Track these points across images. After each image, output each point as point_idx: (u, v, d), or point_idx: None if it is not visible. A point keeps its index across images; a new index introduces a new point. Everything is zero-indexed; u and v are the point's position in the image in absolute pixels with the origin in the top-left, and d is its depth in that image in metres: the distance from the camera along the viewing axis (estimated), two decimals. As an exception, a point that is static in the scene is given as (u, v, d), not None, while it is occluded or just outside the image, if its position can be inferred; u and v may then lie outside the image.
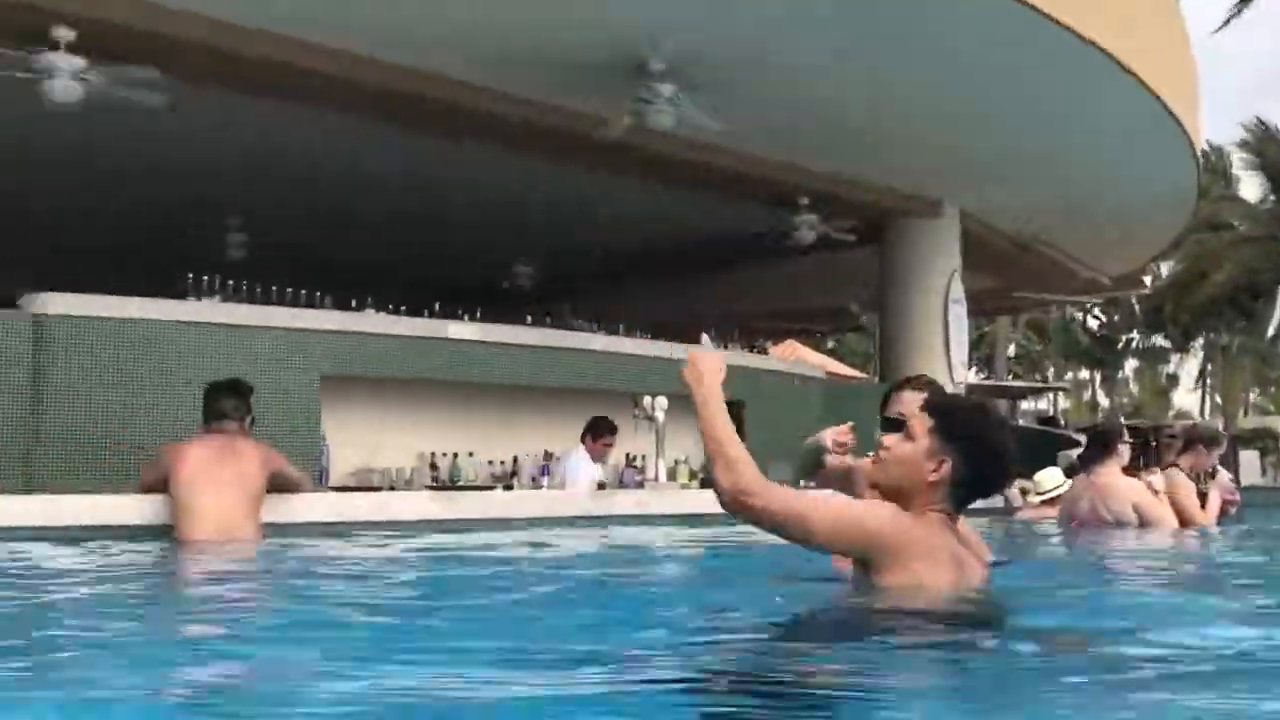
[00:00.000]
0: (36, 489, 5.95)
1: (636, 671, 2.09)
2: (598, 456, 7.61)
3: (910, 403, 3.31)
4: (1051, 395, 39.54)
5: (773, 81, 8.33)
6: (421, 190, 11.00)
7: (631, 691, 1.93)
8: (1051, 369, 47.81)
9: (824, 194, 10.77)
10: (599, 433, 7.62)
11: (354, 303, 8.32)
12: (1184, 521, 6.18)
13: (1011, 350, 40.76)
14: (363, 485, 7.47)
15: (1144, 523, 5.99)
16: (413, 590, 3.75)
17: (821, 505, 2.62)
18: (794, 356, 19.56)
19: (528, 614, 3.07)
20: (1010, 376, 36.50)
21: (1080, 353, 45.33)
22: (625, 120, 8.11)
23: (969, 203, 11.84)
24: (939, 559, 2.54)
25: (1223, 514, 6.64)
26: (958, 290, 12.03)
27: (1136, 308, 38.05)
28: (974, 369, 42.66)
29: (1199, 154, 11.19)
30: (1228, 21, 27.07)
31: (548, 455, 8.11)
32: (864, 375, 24.34)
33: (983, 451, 2.62)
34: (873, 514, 2.61)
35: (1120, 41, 8.18)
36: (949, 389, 11.87)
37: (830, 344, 32.27)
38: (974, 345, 42.24)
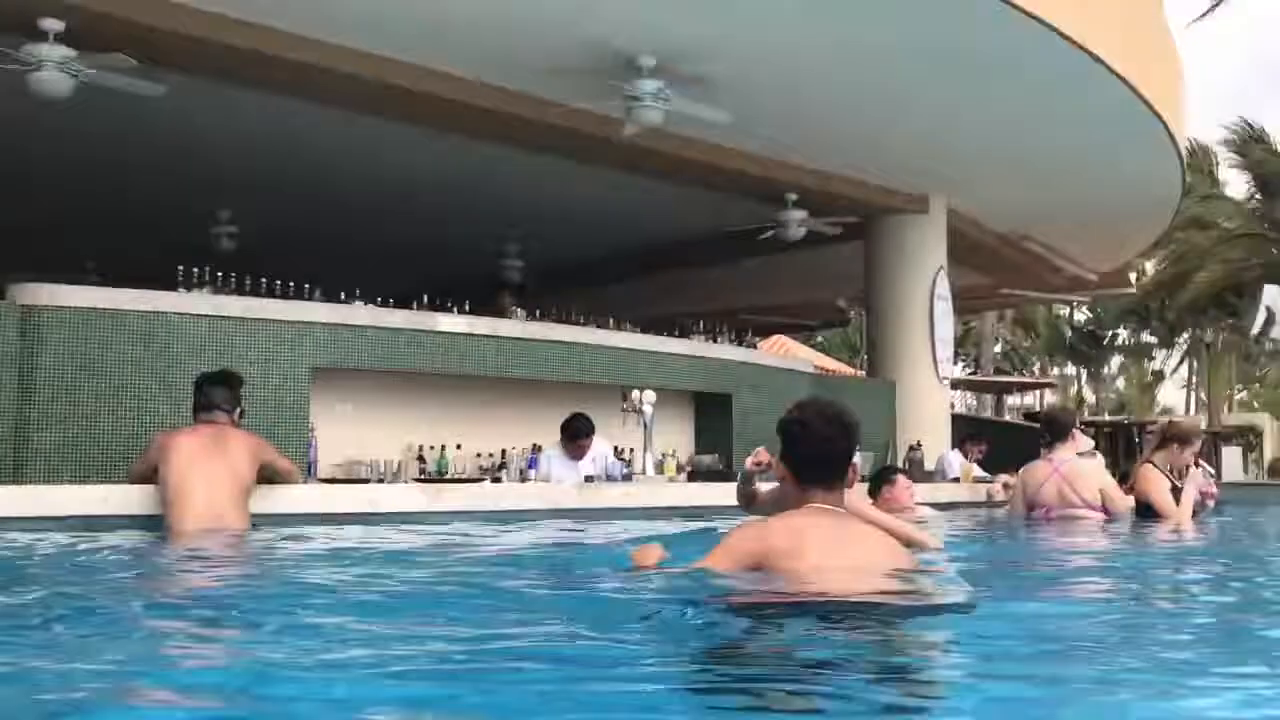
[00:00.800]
0: (25, 479, 5.97)
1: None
2: (574, 457, 7.52)
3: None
4: (1038, 391, 39.75)
5: (762, 78, 8.39)
6: (413, 183, 11.05)
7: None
8: (1038, 365, 48.02)
9: (812, 190, 10.84)
10: (574, 434, 7.45)
11: (343, 295, 8.35)
12: (1157, 512, 6.29)
13: (998, 346, 40.95)
14: (350, 477, 7.51)
15: (1109, 507, 6.14)
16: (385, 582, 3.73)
17: (718, 553, 2.85)
18: (783, 351, 19.65)
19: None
20: (996, 372, 36.64)
21: (1067, 349, 45.58)
22: (626, 128, 8.14)
23: (955, 199, 11.91)
24: (807, 544, 2.76)
25: (1201, 507, 6.75)
26: (943, 286, 12.12)
27: (1123, 304, 38.16)
28: (961, 364, 42.86)
29: (1183, 153, 11.27)
30: (1203, 15, 27.18)
31: (536, 448, 8.16)
32: (853, 370, 24.43)
33: (787, 433, 2.95)
34: (740, 536, 2.88)
35: (1106, 42, 8.25)
36: (935, 383, 12.02)
37: (819, 339, 32.35)
38: (961, 341, 42.46)
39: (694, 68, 7.88)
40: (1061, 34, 7.75)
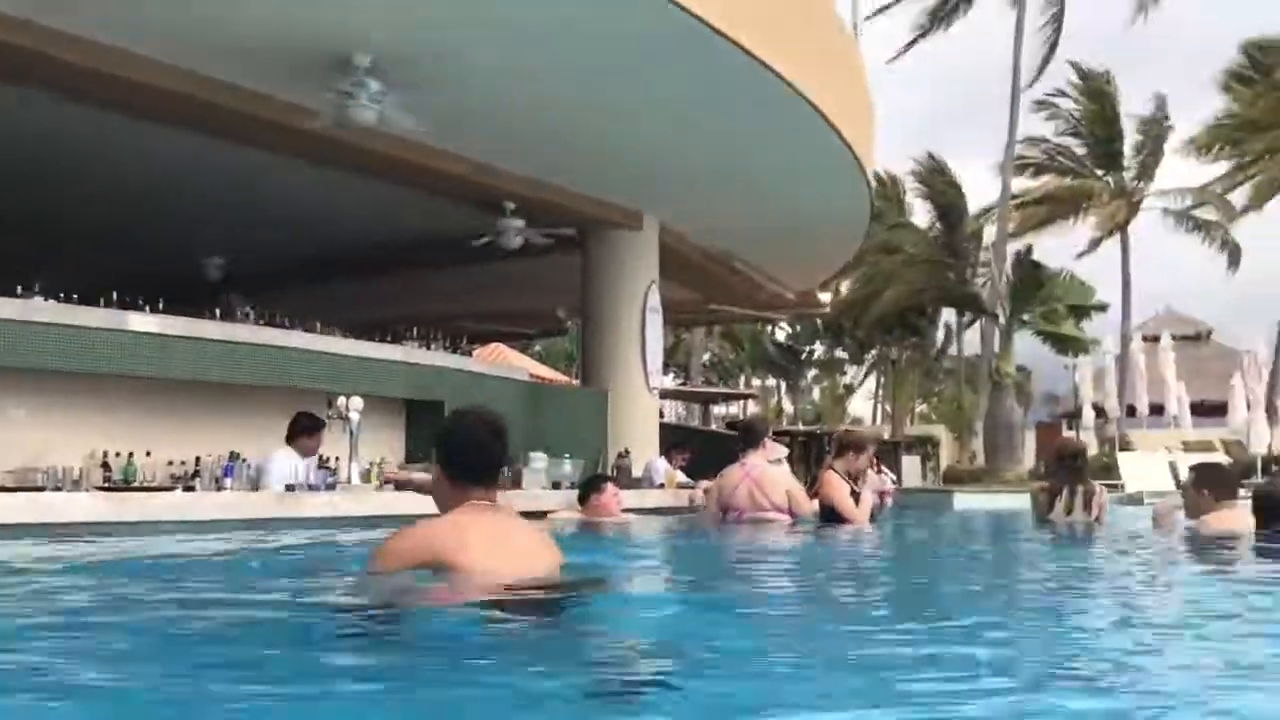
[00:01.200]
0: None
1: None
2: (306, 454, 7.30)
3: None
4: (742, 401, 41.76)
5: (478, 86, 8.40)
6: (104, 172, 10.28)
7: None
8: (743, 377, 50.50)
9: (530, 200, 10.95)
10: (303, 429, 7.32)
11: (19, 289, 7.66)
12: (841, 517, 6.80)
13: (707, 358, 42.77)
14: (23, 485, 6.89)
15: (794, 510, 6.64)
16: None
17: (381, 555, 3.08)
18: (499, 359, 19.67)
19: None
20: (704, 383, 38.20)
21: (768, 362, 48.26)
22: (319, 120, 7.91)
23: (667, 217, 12.36)
24: (466, 540, 2.99)
25: (880, 507, 7.36)
26: (655, 300, 12.54)
27: (819, 321, 40.78)
28: (672, 375, 44.37)
29: (872, 183, 12.23)
30: (898, 56, 29.61)
31: (234, 455, 7.78)
32: (566, 378, 24.76)
33: (449, 439, 3.24)
34: (402, 536, 3.09)
35: (803, 75, 8.81)
36: (646, 392, 12.42)
37: (537, 347, 32.62)
38: (672, 352, 44.02)
39: (406, 67, 7.79)
40: (769, 68, 8.21)
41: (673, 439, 13.37)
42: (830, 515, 6.90)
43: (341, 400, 7.07)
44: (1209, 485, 5.78)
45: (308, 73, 7.70)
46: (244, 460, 7.62)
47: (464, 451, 3.18)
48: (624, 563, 4.74)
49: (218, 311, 8.69)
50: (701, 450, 12.09)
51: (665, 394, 26.78)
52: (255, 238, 12.76)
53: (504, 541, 3.09)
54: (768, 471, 6.74)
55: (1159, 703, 2.01)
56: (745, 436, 6.96)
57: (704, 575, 4.62)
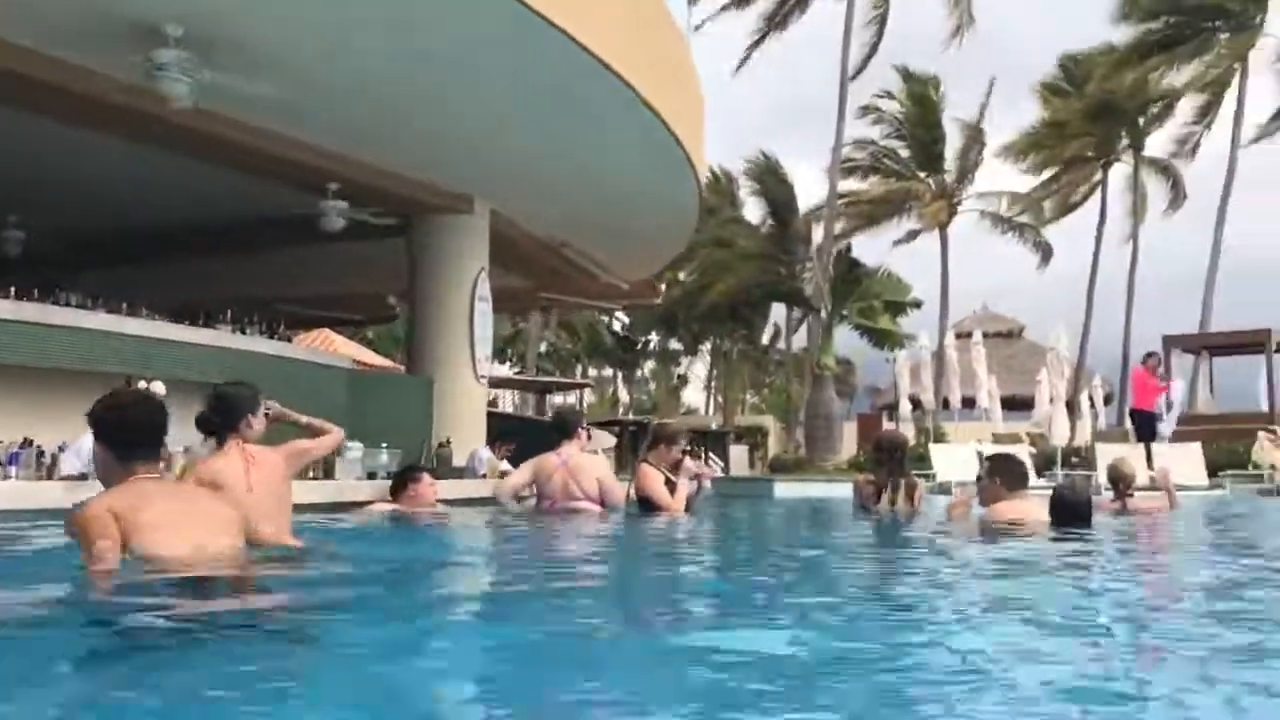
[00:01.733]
0: None
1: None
2: None
3: None
4: (579, 391, 41.90)
5: (298, 63, 8.14)
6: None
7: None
8: (580, 366, 50.67)
9: (354, 182, 10.68)
10: None
11: None
12: (657, 505, 6.91)
13: (544, 347, 42.74)
14: None
15: (606, 499, 6.73)
16: None
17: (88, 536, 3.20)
18: (326, 346, 19.17)
19: None
20: (540, 372, 38.16)
21: (605, 352, 48.55)
22: (173, 103, 7.52)
23: (498, 203, 12.26)
24: (153, 506, 3.23)
25: (698, 493, 7.51)
26: (484, 287, 12.41)
27: (656, 313, 41.27)
28: (509, 364, 44.14)
29: (702, 178, 12.41)
30: (742, 64, 30.24)
31: (27, 441, 7.34)
32: (395, 365, 24.34)
33: (107, 421, 3.43)
34: (90, 512, 3.21)
35: (633, 70, 8.87)
36: (473, 381, 12.30)
37: (369, 334, 31.94)
38: (509, 340, 43.81)
39: (222, 41, 7.49)
40: (589, 52, 8.19)
41: (502, 428, 13.30)
42: (648, 505, 7.01)
43: (142, 384, 6.75)
44: (1000, 476, 6.09)
45: (115, 42, 7.32)
46: (37, 447, 7.21)
47: (125, 429, 3.38)
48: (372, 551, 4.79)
49: (12, 290, 8.16)
50: (534, 440, 12.04)
51: (498, 383, 26.68)
52: (60, 213, 12.07)
53: (181, 510, 3.32)
54: (582, 461, 6.81)
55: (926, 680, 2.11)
56: (559, 427, 7.05)
57: (443, 561, 4.70)
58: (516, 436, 12.29)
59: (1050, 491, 6.15)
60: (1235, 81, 31.24)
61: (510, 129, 9.94)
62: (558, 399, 36.14)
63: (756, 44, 30.44)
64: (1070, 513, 5.75)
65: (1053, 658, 2.37)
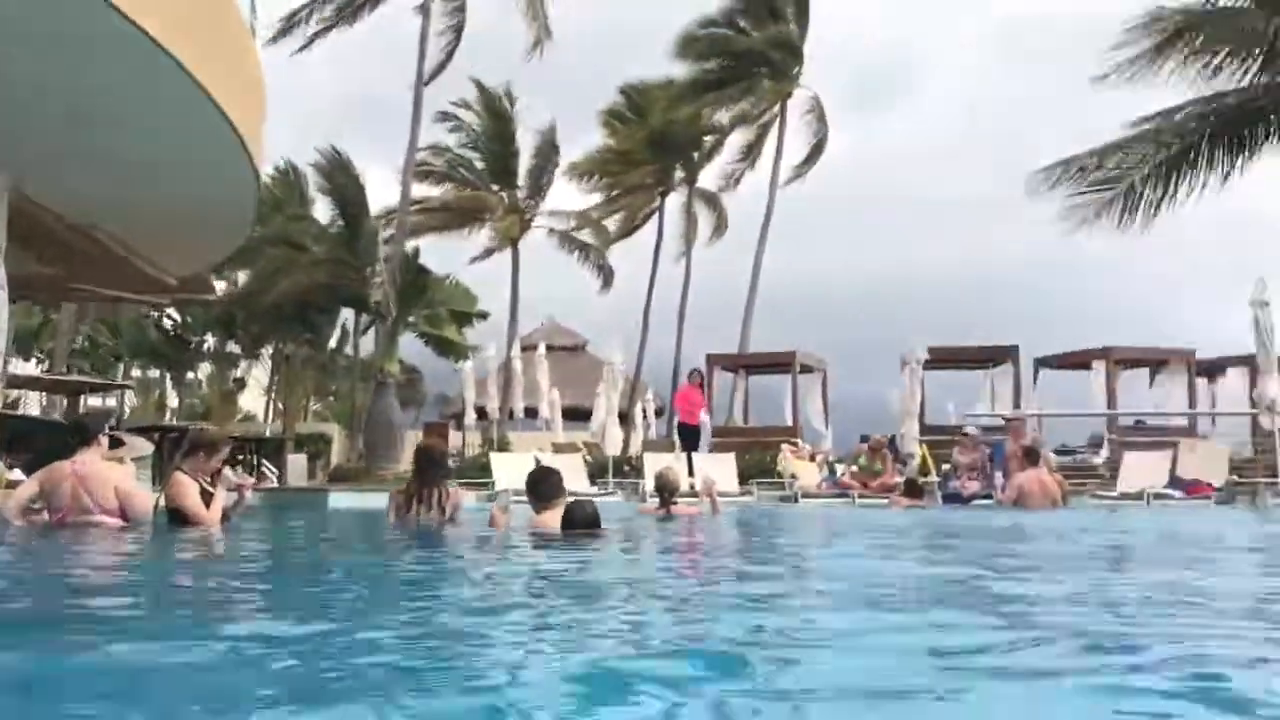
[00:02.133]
0: None
1: None
2: None
3: None
4: (119, 392, 38.35)
5: None
6: None
7: None
8: (122, 366, 46.36)
9: None
10: None
11: None
12: (189, 518, 6.37)
13: (78, 342, 38.57)
14: None
15: (129, 512, 6.14)
16: None
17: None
18: None
19: None
20: (72, 370, 34.49)
21: (151, 351, 44.64)
22: None
23: (24, 181, 10.82)
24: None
25: (238, 504, 6.99)
26: (1, 274, 10.89)
27: (212, 312, 38.74)
28: (35, 361, 39.57)
29: (260, 170, 11.70)
30: (304, 48, 29.05)
31: None
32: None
33: None
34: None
35: (180, 44, 8.14)
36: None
37: None
38: (35, 334, 39.20)
39: None
40: (149, 36, 7.45)
41: (16, 432, 11.79)
42: (178, 518, 6.44)
43: None
44: (529, 493, 6.35)
45: None
46: None
47: None
48: None
49: None
50: (59, 448, 10.73)
51: (21, 382, 23.84)
52: None
53: None
54: (97, 469, 6.12)
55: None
56: (76, 431, 6.34)
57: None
58: (35, 443, 10.91)
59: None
60: (775, 126, 34.69)
61: (30, 96, 8.77)
62: (94, 401, 32.87)
63: (322, 32, 29.20)
64: (581, 525, 6.11)
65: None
